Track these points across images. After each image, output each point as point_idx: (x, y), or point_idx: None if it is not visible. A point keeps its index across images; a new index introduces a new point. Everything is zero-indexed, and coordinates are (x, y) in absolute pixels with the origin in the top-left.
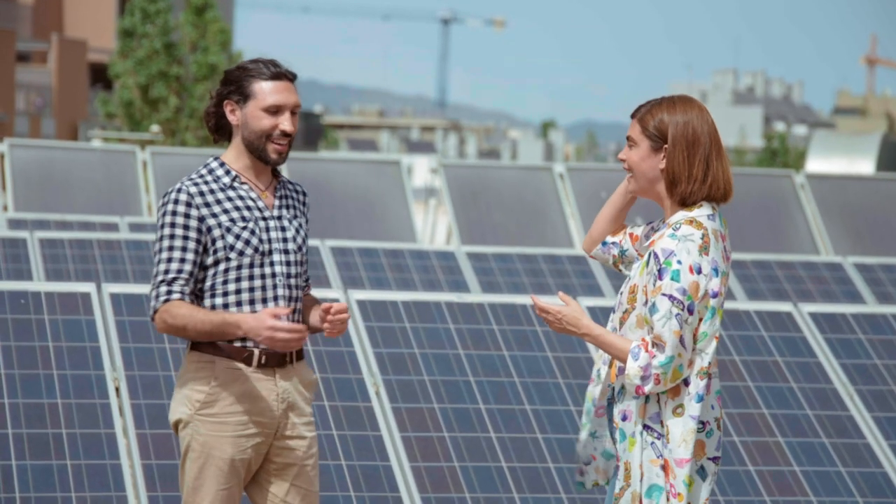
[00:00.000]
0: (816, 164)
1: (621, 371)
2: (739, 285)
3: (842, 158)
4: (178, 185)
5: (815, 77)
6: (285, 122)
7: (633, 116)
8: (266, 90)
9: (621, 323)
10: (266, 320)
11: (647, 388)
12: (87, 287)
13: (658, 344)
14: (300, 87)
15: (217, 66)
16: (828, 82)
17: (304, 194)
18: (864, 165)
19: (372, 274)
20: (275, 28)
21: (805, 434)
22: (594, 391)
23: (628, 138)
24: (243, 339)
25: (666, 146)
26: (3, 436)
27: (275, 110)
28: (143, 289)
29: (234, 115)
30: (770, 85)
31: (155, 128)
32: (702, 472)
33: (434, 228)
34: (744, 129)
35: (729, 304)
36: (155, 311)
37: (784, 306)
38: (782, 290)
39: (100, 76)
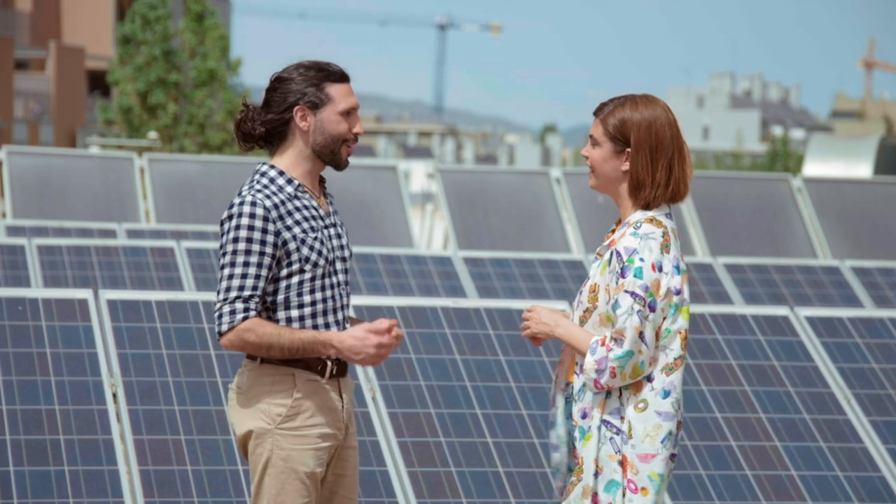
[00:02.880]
0: (814, 167)
1: (582, 369)
2: (736, 289)
3: (839, 162)
4: (250, 199)
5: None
6: (357, 125)
7: (595, 114)
8: (342, 93)
9: (581, 322)
10: (370, 339)
11: (604, 381)
12: (85, 293)
13: (617, 338)
14: None
15: (216, 73)
16: (825, 86)
17: (332, 196)
18: (862, 169)
19: (369, 279)
20: (271, 34)
21: (802, 438)
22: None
23: (591, 136)
24: None
25: (628, 149)
26: (0, 442)
27: (348, 113)
28: (140, 295)
29: (305, 121)
30: (767, 88)
31: (152, 134)
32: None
33: (431, 233)
34: (741, 133)
35: (725, 308)
36: (231, 328)
37: (781, 310)
38: (780, 294)
39: (98, 83)
